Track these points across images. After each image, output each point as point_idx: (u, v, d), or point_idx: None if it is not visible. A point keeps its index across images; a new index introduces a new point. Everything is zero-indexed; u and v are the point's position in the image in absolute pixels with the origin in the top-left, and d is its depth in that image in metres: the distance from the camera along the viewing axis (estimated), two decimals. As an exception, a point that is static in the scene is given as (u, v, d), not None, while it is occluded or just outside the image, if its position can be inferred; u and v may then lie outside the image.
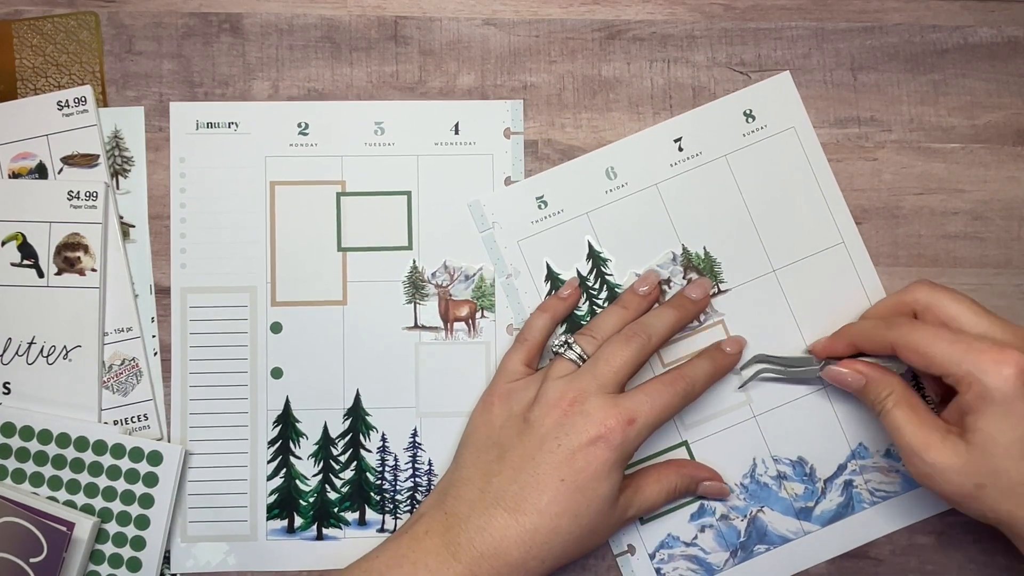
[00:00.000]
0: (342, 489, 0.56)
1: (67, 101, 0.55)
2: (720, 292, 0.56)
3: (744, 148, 0.56)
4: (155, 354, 0.55)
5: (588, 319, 0.56)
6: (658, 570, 0.55)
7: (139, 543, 0.54)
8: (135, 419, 0.55)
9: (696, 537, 0.56)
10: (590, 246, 0.56)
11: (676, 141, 0.57)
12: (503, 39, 0.57)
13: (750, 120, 0.57)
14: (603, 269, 0.56)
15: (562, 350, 0.53)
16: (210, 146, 0.56)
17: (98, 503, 0.54)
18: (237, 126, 0.56)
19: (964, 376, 0.46)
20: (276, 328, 0.56)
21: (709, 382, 0.54)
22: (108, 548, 0.54)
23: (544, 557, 0.49)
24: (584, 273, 0.56)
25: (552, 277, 0.56)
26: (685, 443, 0.56)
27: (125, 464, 0.54)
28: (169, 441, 0.55)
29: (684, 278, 0.56)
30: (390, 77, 0.57)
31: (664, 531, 0.56)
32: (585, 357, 0.52)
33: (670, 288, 0.56)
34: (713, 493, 0.55)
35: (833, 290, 0.56)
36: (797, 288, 0.56)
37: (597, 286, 0.56)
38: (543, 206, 0.56)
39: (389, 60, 0.57)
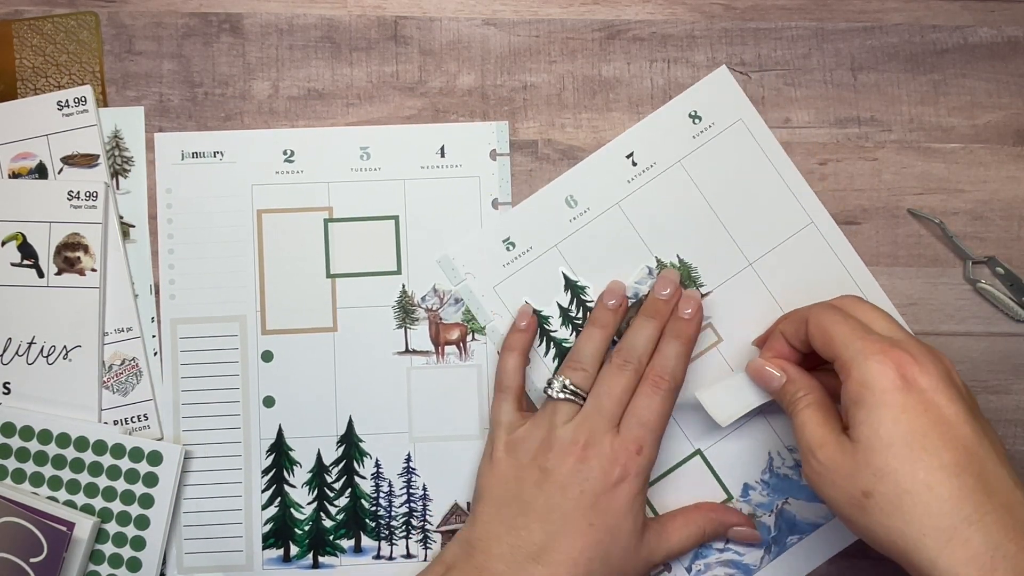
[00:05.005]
0: (337, 516, 0.56)
1: (67, 101, 0.55)
2: (702, 296, 0.56)
3: (696, 150, 0.56)
4: (155, 354, 0.56)
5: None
6: None
7: (139, 543, 0.54)
8: (135, 419, 0.55)
9: (729, 541, 0.55)
10: (565, 277, 0.56)
11: (628, 157, 0.56)
12: (503, 39, 0.57)
13: (696, 121, 0.56)
14: (582, 297, 0.56)
15: (556, 394, 0.52)
16: (196, 176, 0.56)
17: (98, 503, 0.54)
18: (222, 155, 0.56)
19: (848, 360, 0.45)
20: (267, 357, 0.56)
21: (686, 363, 0.53)
22: (108, 548, 0.54)
23: None
24: (565, 305, 0.56)
25: (535, 314, 0.56)
26: (699, 452, 0.56)
27: (125, 464, 0.54)
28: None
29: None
30: (390, 77, 0.57)
31: None
32: (580, 392, 0.52)
33: None
34: (744, 539, 0.55)
35: (811, 270, 0.56)
36: (776, 276, 0.56)
37: (580, 315, 0.56)
38: (511, 247, 0.56)
39: (389, 60, 0.57)
